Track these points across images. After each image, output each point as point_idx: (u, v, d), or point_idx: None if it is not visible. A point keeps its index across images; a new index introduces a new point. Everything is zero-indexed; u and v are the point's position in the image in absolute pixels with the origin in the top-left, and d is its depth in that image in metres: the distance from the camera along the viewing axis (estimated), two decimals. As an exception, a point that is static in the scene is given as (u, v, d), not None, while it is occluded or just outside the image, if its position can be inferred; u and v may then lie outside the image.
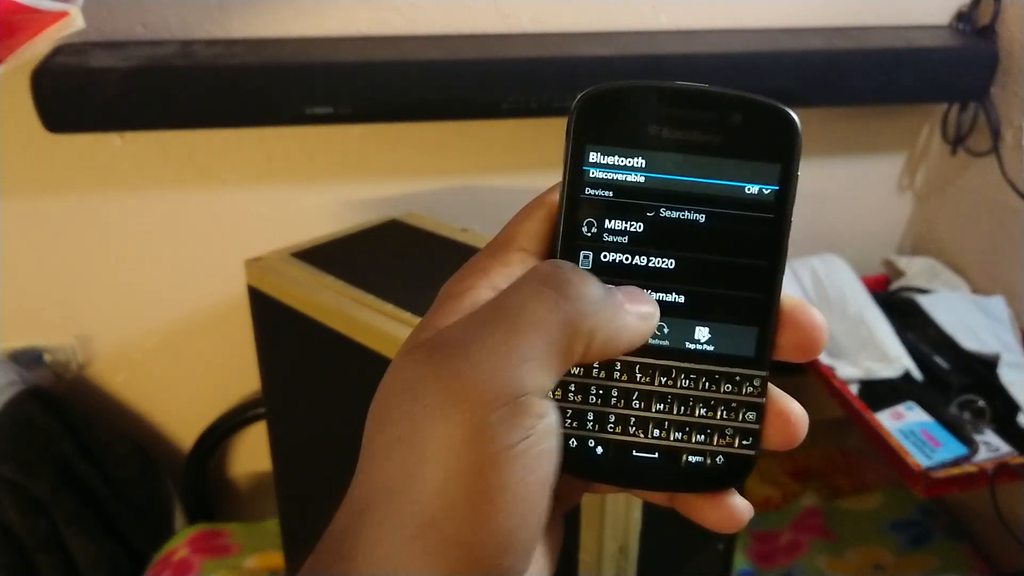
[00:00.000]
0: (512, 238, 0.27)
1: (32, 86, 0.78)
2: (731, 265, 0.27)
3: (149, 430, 1.13)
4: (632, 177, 0.26)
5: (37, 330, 1.03)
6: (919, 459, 0.79)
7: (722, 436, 0.27)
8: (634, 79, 0.26)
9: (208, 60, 0.82)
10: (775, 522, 1.11)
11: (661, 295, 0.27)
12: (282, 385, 0.81)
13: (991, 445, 0.82)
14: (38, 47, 0.64)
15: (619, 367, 0.27)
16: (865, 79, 0.92)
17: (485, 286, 0.25)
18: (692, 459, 0.27)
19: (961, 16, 0.99)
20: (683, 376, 0.27)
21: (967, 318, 0.96)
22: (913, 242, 1.18)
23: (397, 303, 0.68)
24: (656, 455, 0.27)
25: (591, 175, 0.26)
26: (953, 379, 0.88)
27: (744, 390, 0.27)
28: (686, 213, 0.26)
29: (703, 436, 0.27)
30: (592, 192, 0.26)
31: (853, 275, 1.04)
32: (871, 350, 0.93)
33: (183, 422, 1.13)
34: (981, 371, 0.89)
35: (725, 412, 0.27)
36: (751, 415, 0.27)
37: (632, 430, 0.27)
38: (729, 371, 0.27)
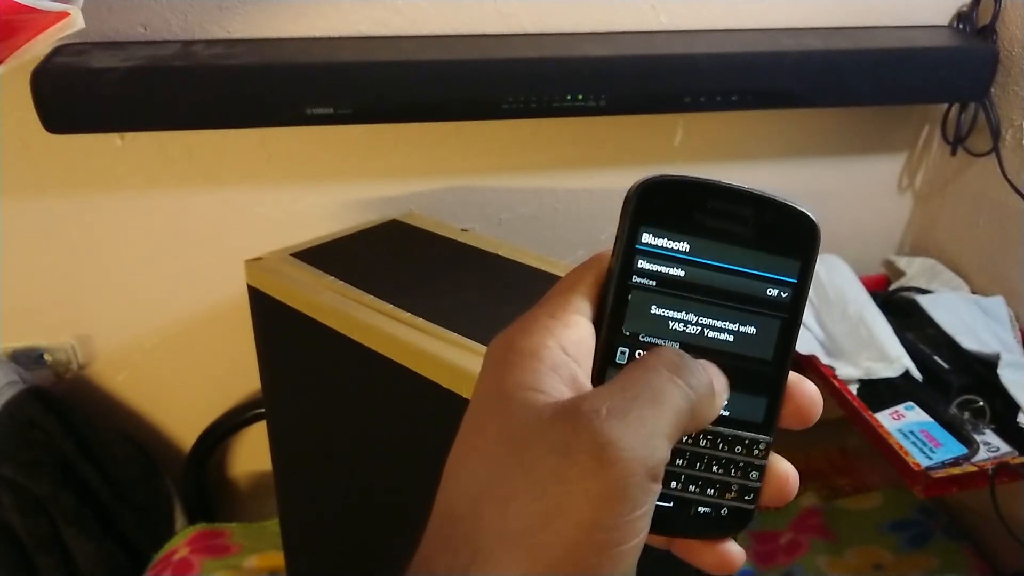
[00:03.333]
0: (569, 300, 0.29)
1: (32, 86, 0.78)
2: (753, 342, 0.30)
3: (149, 430, 1.13)
4: (677, 258, 0.30)
5: (37, 330, 1.03)
6: (919, 459, 0.79)
7: (729, 491, 0.30)
8: (686, 174, 0.30)
9: (208, 60, 0.82)
10: (775, 522, 1.11)
11: None
12: (282, 385, 0.81)
13: (991, 445, 0.82)
14: (38, 47, 0.64)
15: None
16: (865, 79, 0.92)
17: (555, 345, 0.28)
18: (701, 509, 0.30)
19: (961, 16, 0.99)
20: (703, 436, 0.30)
21: (967, 318, 0.96)
22: (913, 242, 1.18)
23: (397, 303, 0.68)
24: (671, 504, 0.30)
25: (642, 252, 0.30)
26: (953, 379, 0.88)
27: (752, 452, 0.30)
28: (718, 297, 0.30)
29: (713, 490, 0.30)
30: (641, 268, 0.30)
31: (853, 275, 1.04)
32: (871, 350, 0.93)
33: (183, 422, 1.13)
34: (981, 371, 0.89)
35: (734, 471, 0.30)
36: (755, 474, 0.30)
37: None
38: (741, 435, 0.30)
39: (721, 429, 0.30)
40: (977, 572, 1.01)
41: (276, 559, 1.01)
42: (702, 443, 0.30)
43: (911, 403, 0.87)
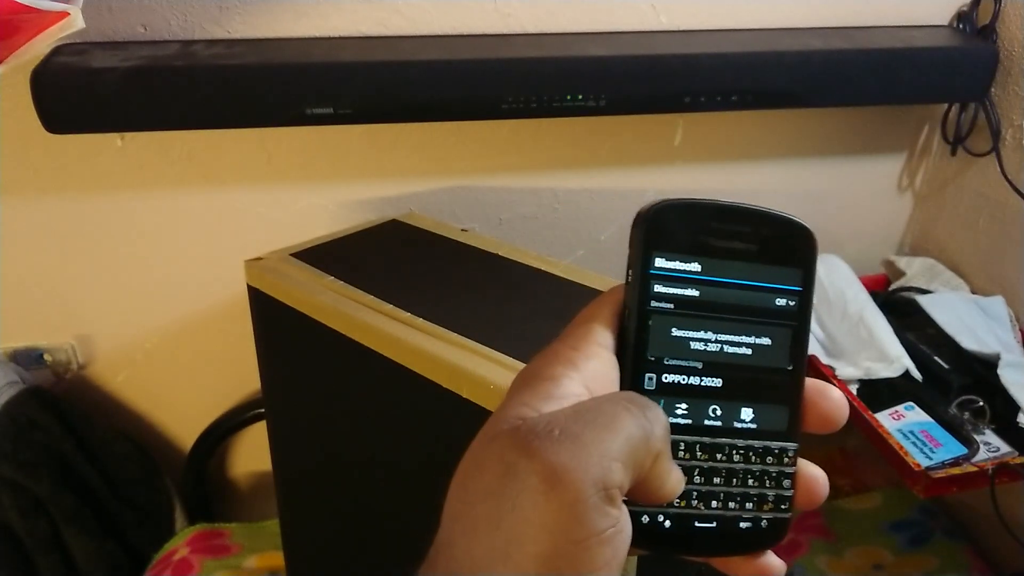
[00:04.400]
0: (590, 332, 0.30)
1: (32, 86, 0.78)
2: (769, 352, 0.31)
3: (149, 430, 1.13)
4: (690, 279, 0.30)
5: (37, 330, 1.03)
6: (919, 459, 0.79)
7: (766, 503, 0.31)
8: (689, 196, 0.31)
9: (208, 60, 0.82)
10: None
11: (714, 381, 0.31)
12: (282, 385, 0.81)
13: (991, 445, 0.82)
14: (38, 47, 0.64)
15: (683, 447, 0.30)
16: (865, 79, 0.92)
17: (574, 375, 0.28)
18: (743, 525, 0.30)
19: (961, 16, 0.99)
20: (735, 452, 0.30)
21: (967, 318, 0.96)
22: (913, 242, 1.18)
23: (397, 303, 0.68)
24: (715, 524, 0.30)
25: (656, 277, 0.30)
26: (953, 379, 0.88)
27: (783, 460, 0.31)
28: (733, 312, 0.31)
29: (751, 504, 0.30)
30: (658, 292, 0.30)
31: (853, 275, 1.04)
32: (871, 350, 0.93)
33: (183, 422, 1.13)
34: (981, 371, 0.89)
35: (769, 481, 0.31)
36: (787, 482, 0.31)
37: (695, 503, 0.30)
38: (771, 445, 0.31)
39: (752, 442, 0.30)
40: (977, 572, 1.01)
41: (276, 559, 1.01)
42: (736, 458, 0.30)
43: (911, 403, 0.87)
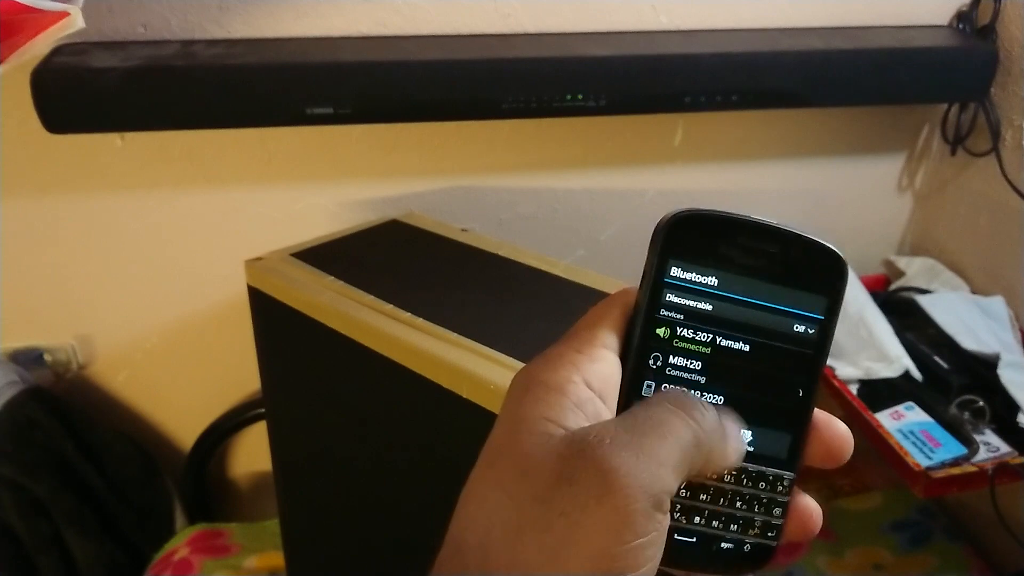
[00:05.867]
0: (596, 334, 0.29)
1: (32, 86, 0.78)
2: (778, 378, 0.30)
3: (149, 430, 1.13)
4: (705, 292, 0.29)
5: (37, 330, 1.03)
6: (919, 459, 0.79)
7: (752, 527, 0.30)
8: (718, 209, 0.30)
9: (208, 60, 0.82)
10: (775, 522, 1.11)
11: (715, 398, 0.30)
12: (282, 385, 0.81)
13: (991, 445, 0.82)
14: (38, 47, 0.64)
15: None
16: (865, 79, 0.92)
17: (580, 381, 0.28)
18: (724, 545, 0.30)
19: (961, 16, 0.99)
20: (728, 472, 0.30)
21: (967, 318, 0.96)
22: (913, 242, 1.18)
23: (397, 303, 0.68)
24: (694, 539, 0.30)
25: (670, 286, 0.30)
26: (953, 379, 0.88)
27: (776, 488, 0.30)
28: (745, 332, 0.30)
29: (736, 527, 0.30)
30: (669, 301, 0.30)
31: (853, 275, 1.04)
32: (871, 350, 0.93)
33: (183, 422, 1.13)
34: (981, 371, 0.89)
35: (758, 507, 0.30)
36: (778, 511, 0.30)
37: (676, 516, 0.29)
38: (766, 471, 0.30)
39: (746, 465, 0.30)
40: (977, 572, 1.01)
41: (276, 559, 1.01)
42: (726, 479, 0.30)
43: (911, 403, 0.87)
